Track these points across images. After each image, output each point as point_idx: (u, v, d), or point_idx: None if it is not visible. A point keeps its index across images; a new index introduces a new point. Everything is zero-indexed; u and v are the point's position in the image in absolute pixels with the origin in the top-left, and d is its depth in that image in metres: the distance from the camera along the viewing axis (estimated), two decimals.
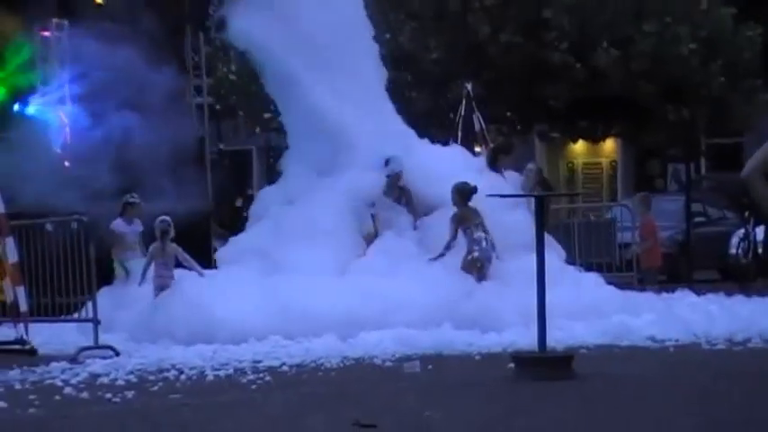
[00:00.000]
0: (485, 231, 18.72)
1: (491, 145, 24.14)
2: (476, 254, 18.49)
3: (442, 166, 20.03)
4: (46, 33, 22.57)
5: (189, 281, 17.91)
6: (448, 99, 28.75)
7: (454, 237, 18.67)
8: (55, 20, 22.45)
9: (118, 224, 19.23)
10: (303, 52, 19.96)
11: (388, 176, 19.54)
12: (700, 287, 23.16)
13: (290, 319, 16.67)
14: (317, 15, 20.20)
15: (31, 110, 22.32)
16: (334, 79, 19.93)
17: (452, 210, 18.86)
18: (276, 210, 19.51)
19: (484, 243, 18.67)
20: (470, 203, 18.81)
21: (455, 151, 21.58)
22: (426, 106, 29.15)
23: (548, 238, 19.02)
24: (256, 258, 18.39)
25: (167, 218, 18.26)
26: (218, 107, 24.00)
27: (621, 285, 20.06)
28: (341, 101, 19.91)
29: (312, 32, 20.07)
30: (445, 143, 22.79)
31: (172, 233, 18.17)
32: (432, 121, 27.09)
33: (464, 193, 18.90)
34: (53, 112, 22.39)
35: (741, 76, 31.15)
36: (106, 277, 18.28)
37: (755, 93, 31.64)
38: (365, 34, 21.20)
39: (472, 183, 18.97)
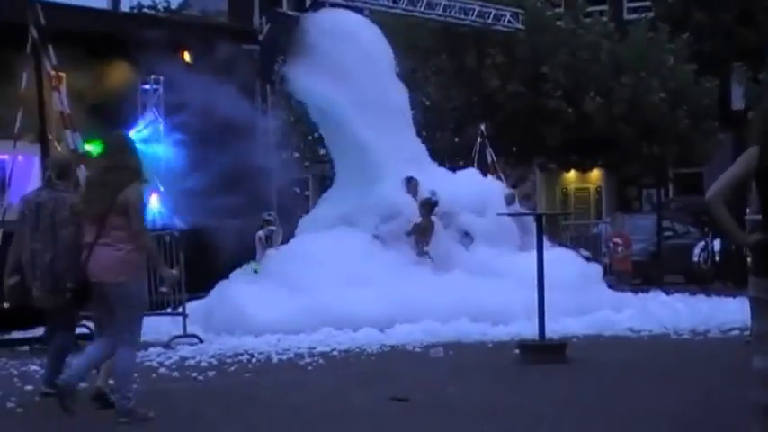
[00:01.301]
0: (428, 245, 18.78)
1: (502, 175, 24.16)
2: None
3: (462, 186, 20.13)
4: (146, 87, 22.58)
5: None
6: (466, 137, 28.69)
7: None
8: (153, 75, 22.46)
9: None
10: (349, 101, 19.96)
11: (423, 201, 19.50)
12: (669, 288, 23.06)
13: (339, 315, 16.61)
14: (361, 72, 20.21)
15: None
16: (375, 122, 19.90)
17: (417, 220, 18.87)
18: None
19: (428, 255, 18.73)
20: (432, 216, 18.89)
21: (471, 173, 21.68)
22: (448, 143, 29.09)
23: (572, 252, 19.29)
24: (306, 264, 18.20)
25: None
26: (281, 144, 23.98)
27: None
28: (379, 138, 19.90)
29: (356, 85, 20.07)
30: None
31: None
32: (453, 155, 27.01)
33: (428, 206, 18.91)
34: (149, 147, 22.36)
35: (702, 119, 31.08)
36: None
37: (713, 132, 31.67)
38: (399, 87, 21.21)
39: (435, 197, 18.99)
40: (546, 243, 15.07)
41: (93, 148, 21.43)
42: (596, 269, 19.98)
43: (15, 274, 10.98)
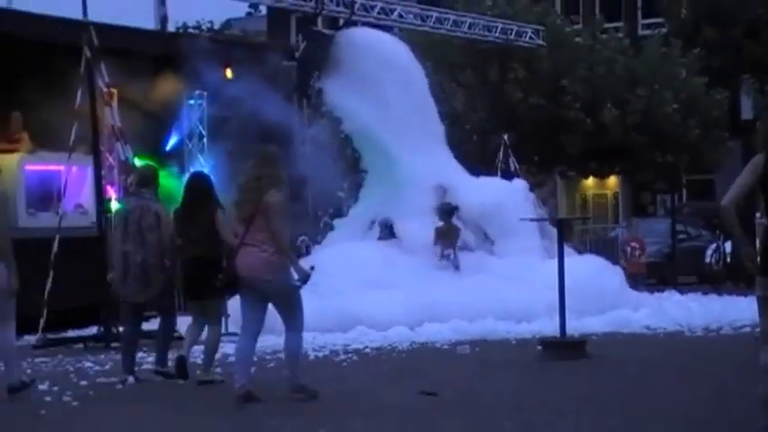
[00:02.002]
0: (453, 249, 18.65)
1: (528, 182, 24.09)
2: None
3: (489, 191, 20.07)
4: (191, 101, 22.64)
5: None
6: (489, 147, 28.64)
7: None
8: (197, 91, 22.51)
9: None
10: (380, 113, 19.97)
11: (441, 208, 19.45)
12: (682, 288, 22.97)
13: (372, 314, 16.58)
14: (392, 85, 20.23)
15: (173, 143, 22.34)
16: (403, 132, 19.89)
17: (438, 224, 18.81)
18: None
19: (450, 258, 18.64)
20: (453, 220, 18.83)
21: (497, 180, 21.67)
22: (474, 153, 29.02)
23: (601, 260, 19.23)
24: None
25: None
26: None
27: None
28: (408, 147, 19.91)
29: (387, 98, 20.09)
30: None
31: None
32: (477, 164, 26.96)
33: (447, 211, 18.85)
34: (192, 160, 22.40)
35: (712, 129, 30.96)
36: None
37: (723, 141, 31.54)
38: (428, 99, 21.21)
39: (453, 203, 18.93)
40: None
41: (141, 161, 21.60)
42: (619, 272, 19.81)
43: (112, 270, 12.14)
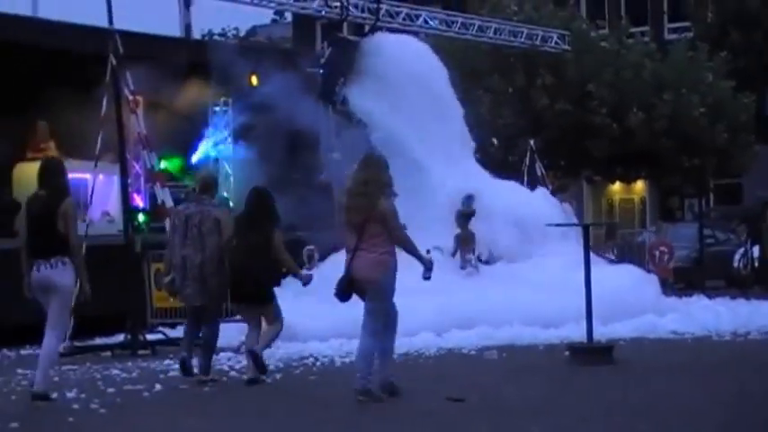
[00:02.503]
0: (473, 254, 18.65)
1: (550, 186, 24.03)
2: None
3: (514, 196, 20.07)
4: (216, 108, 22.73)
5: None
6: (516, 153, 28.63)
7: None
8: (223, 98, 22.61)
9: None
10: (405, 119, 20.01)
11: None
12: (710, 293, 22.87)
13: (399, 320, 16.51)
14: (416, 92, 20.26)
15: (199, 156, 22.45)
16: (427, 138, 19.90)
17: (457, 231, 18.77)
18: None
19: (472, 264, 18.61)
20: (469, 227, 18.80)
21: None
22: (500, 158, 29.02)
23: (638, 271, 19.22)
24: None
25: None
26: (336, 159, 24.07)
27: None
28: (433, 153, 19.92)
29: (412, 104, 20.11)
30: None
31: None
32: (505, 169, 26.96)
33: (464, 216, 18.83)
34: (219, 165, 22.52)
35: (739, 133, 30.88)
36: None
37: (750, 145, 31.48)
38: (453, 105, 21.22)
39: (472, 207, 18.90)
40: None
41: (168, 165, 21.67)
42: (655, 282, 19.67)
43: (169, 274, 12.59)
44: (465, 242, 18.87)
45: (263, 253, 12.13)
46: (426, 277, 10.75)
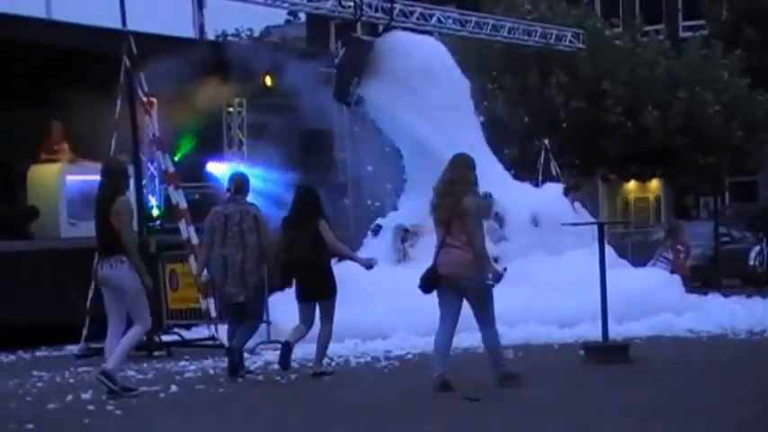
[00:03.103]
0: None
1: (564, 185, 23.96)
2: None
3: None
4: (230, 109, 22.77)
5: None
6: (530, 151, 28.61)
7: None
8: (237, 99, 22.65)
9: None
10: (421, 117, 20.03)
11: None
12: (726, 291, 22.82)
13: (413, 320, 16.53)
14: (430, 89, 20.27)
15: (217, 168, 22.47)
16: (444, 134, 19.89)
17: None
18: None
19: None
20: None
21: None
22: (515, 157, 28.99)
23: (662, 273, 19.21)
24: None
25: None
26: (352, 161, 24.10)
27: None
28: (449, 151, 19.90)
29: (426, 102, 20.13)
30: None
31: None
32: (519, 168, 26.95)
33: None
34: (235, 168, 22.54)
35: (755, 130, 30.78)
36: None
37: (766, 143, 31.40)
38: (468, 102, 21.24)
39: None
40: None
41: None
42: (678, 283, 19.62)
43: (205, 272, 13.28)
44: None
45: (320, 248, 12.76)
46: (491, 285, 11.23)
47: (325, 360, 14.04)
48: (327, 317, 12.91)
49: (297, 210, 13.11)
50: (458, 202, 11.02)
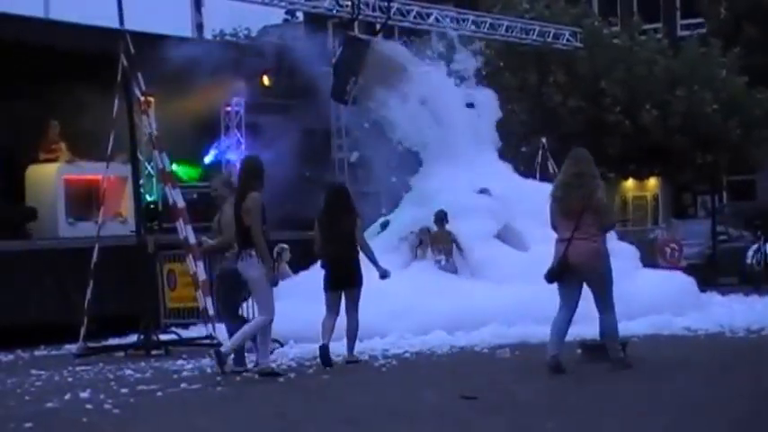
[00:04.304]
0: (446, 255, 18.53)
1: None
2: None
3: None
4: (228, 108, 22.81)
5: None
6: (529, 150, 28.63)
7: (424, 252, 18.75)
8: (235, 98, 22.69)
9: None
10: (416, 115, 20.14)
11: None
12: (724, 289, 22.85)
13: (411, 319, 16.58)
14: (425, 88, 20.36)
15: (210, 158, 22.54)
16: (445, 135, 19.99)
17: (434, 230, 18.76)
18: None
19: (441, 264, 18.52)
20: (446, 227, 18.73)
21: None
22: (513, 155, 29.02)
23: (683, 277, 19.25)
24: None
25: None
26: (353, 160, 24.07)
27: None
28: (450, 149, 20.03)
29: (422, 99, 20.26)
30: None
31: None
32: (517, 167, 27.00)
33: (439, 218, 18.77)
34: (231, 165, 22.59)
35: (753, 129, 30.82)
36: None
37: (764, 141, 31.42)
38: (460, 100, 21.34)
39: (444, 209, 18.89)
40: None
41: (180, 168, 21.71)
42: (693, 285, 19.66)
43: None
44: (436, 241, 18.69)
45: (354, 244, 13.79)
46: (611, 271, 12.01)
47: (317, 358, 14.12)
48: (353, 306, 13.82)
49: (329, 207, 13.96)
50: (591, 194, 11.64)
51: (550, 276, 11.85)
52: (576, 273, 11.72)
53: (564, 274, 11.75)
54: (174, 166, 20.12)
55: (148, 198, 19.21)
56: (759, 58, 32.77)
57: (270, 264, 12.50)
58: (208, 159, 22.74)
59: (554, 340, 11.91)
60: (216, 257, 13.94)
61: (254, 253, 12.31)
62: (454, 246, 18.65)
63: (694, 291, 19.45)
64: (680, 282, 19.50)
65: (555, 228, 11.97)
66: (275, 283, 12.59)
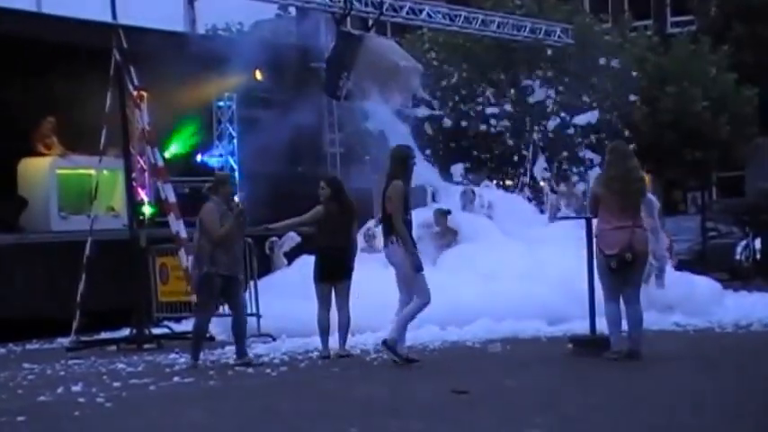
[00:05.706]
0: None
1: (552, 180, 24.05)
2: None
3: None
4: (220, 103, 22.76)
5: None
6: (520, 147, 28.61)
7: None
8: (227, 93, 22.65)
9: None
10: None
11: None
12: None
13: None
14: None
15: (209, 160, 22.52)
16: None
17: (435, 229, 18.71)
18: None
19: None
20: (449, 224, 18.75)
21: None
22: (505, 153, 29.01)
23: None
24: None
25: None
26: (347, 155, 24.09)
27: None
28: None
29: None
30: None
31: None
32: (509, 164, 27.04)
33: (441, 215, 18.78)
34: (226, 160, 22.57)
35: (742, 126, 30.87)
36: None
37: (753, 138, 31.48)
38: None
39: (446, 207, 18.95)
40: None
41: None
42: (717, 287, 19.66)
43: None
44: (439, 239, 18.68)
45: (343, 240, 13.84)
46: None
47: (314, 353, 14.12)
48: (344, 300, 13.88)
49: (334, 202, 13.94)
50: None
51: (617, 266, 12.25)
52: (631, 262, 12.25)
53: (610, 261, 12.27)
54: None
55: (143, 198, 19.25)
56: (748, 56, 32.83)
57: (411, 250, 12.60)
58: (202, 158, 22.70)
59: (615, 331, 12.55)
60: (203, 257, 13.61)
61: (395, 240, 12.56)
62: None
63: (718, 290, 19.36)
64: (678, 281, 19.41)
65: (597, 217, 12.54)
66: (420, 268, 12.61)
